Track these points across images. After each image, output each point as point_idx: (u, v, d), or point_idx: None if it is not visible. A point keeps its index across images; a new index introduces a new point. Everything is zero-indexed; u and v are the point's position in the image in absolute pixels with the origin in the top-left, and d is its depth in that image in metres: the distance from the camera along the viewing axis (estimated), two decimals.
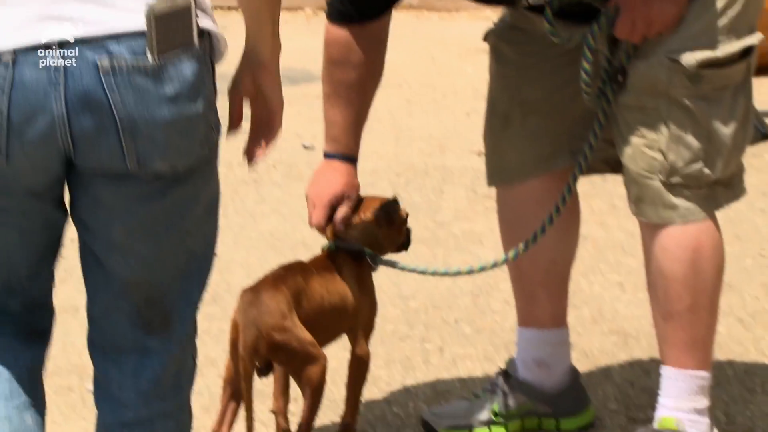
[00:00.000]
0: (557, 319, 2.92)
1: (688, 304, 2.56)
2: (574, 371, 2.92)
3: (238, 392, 2.62)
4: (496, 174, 2.89)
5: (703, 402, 2.60)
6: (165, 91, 1.65)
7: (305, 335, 2.56)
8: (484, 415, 2.86)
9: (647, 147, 2.50)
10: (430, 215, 4.62)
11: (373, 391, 3.04)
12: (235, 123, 2.00)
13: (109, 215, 1.73)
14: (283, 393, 2.82)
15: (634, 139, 2.52)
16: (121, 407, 1.86)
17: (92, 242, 1.79)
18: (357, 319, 2.75)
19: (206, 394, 3.21)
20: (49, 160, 1.67)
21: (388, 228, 2.81)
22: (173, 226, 1.78)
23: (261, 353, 2.54)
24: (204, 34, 1.71)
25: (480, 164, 4.22)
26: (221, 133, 1.86)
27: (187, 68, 1.67)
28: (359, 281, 2.75)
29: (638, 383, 3.13)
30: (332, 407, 3.01)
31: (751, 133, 2.61)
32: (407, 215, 2.90)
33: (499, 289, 3.82)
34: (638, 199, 2.56)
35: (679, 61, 2.42)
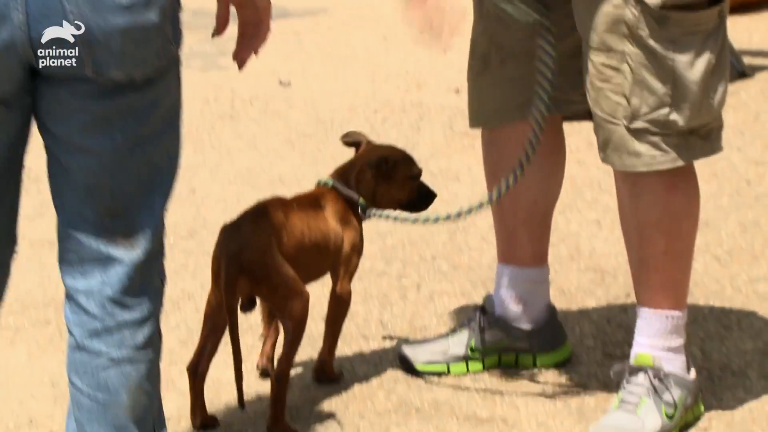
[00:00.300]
0: (538, 258, 2.92)
1: (663, 249, 2.57)
2: (551, 308, 2.93)
3: (217, 326, 2.62)
4: (477, 116, 2.87)
5: (678, 340, 2.62)
6: (120, 0, 1.68)
7: (287, 270, 2.56)
8: (461, 350, 2.87)
9: (611, 91, 2.47)
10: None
11: (350, 326, 3.03)
12: (221, 26, 2.02)
13: (67, 113, 1.78)
14: (269, 324, 2.86)
15: (599, 83, 2.49)
16: (89, 318, 1.89)
17: (55, 147, 1.82)
18: (339, 258, 2.74)
19: (183, 328, 3.21)
20: (12, 69, 1.72)
21: (387, 184, 2.80)
22: (129, 129, 1.80)
23: (243, 288, 2.54)
24: None
25: (457, 101, 4.20)
26: (181, 46, 1.86)
27: None
28: (344, 221, 2.74)
29: (615, 320, 3.14)
30: (310, 342, 3.02)
31: (726, 87, 2.55)
32: (417, 174, 2.86)
33: (476, 226, 3.82)
34: (604, 144, 2.54)
35: (644, 1, 2.38)
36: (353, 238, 2.76)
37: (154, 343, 2.00)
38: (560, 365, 2.91)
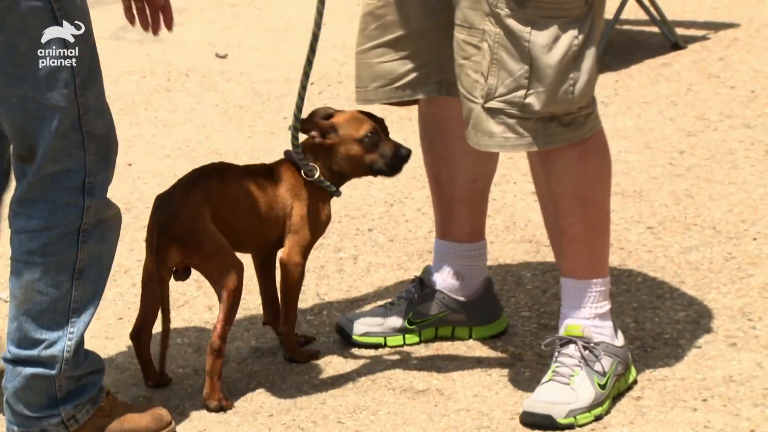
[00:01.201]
0: (475, 234, 2.93)
1: (579, 217, 2.59)
2: (488, 281, 2.94)
3: (155, 294, 2.62)
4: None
5: (605, 307, 2.65)
6: None
7: (219, 239, 2.55)
8: (398, 323, 2.88)
9: (471, 69, 2.47)
10: None
11: None
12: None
13: None
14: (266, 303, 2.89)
15: (461, 60, 2.49)
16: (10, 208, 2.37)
17: None
18: (287, 228, 2.72)
19: (120, 302, 3.20)
20: None
21: (370, 152, 2.74)
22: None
23: (175, 257, 2.53)
24: None
25: None
26: None
27: None
28: (295, 191, 2.71)
29: (550, 291, 3.17)
30: (248, 316, 3.03)
31: (592, 78, 2.51)
32: (374, 140, 2.74)
33: (413, 198, 3.83)
34: (465, 121, 2.53)
35: None
36: (303, 209, 2.72)
37: (52, 251, 2.28)
38: (496, 337, 2.93)
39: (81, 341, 2.36)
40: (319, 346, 2.92)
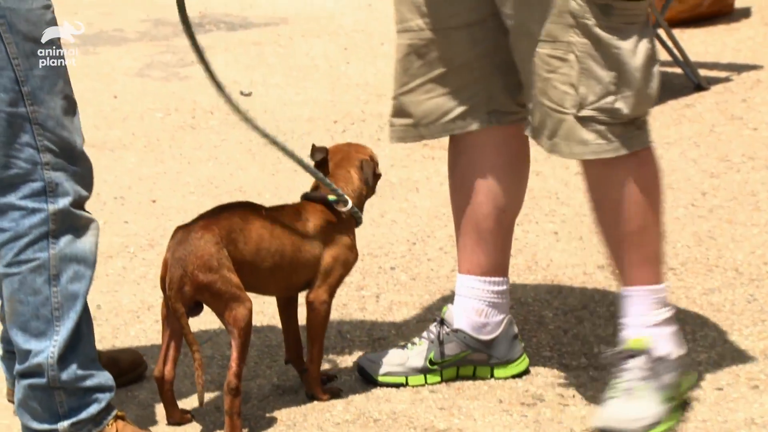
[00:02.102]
0: (499, 269, 2.93)
1: (640, 223, 2.65)
2: (510, 320, 2.94)
3: (175, 330, 2.63)
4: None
5: (668, 312, 2.70)
6: None
7: (231, 277, 2.55)
8: (420, 362, 2.88)
9: (559, 81, 2.53)
10: None
11: None
12: None
13: None
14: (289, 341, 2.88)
15: (546, 74, 2.55)
16: None
17: None
18: (317, 269, 2.73)
19: (143, 338, 3.21)
20: None
21: (373, 186, 2.88)
22: None
23: (186, 292, 2.54)
24: None
25: None
26: None
27: None
28: (325, 233, 2.74)
29: (571, 331, 3.16)
30: (269, 353, 3.04)
31: (660, 76, 2.64)
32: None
33: (435, 237, 3.84)
34: (552, 134, 2.59)
35: None
36: (335, 250, 2.75)
37: (24, 260, 2.39)
38: (517, 377, 2.92)
39: (67, 346, 2.41)
40: (340, 384, 2.92)
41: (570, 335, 3.16)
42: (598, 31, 2.48)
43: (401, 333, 3.21)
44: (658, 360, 2.60)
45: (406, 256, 3.76)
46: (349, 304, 3.40)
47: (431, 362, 2.88)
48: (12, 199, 2.38)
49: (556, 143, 2.58)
